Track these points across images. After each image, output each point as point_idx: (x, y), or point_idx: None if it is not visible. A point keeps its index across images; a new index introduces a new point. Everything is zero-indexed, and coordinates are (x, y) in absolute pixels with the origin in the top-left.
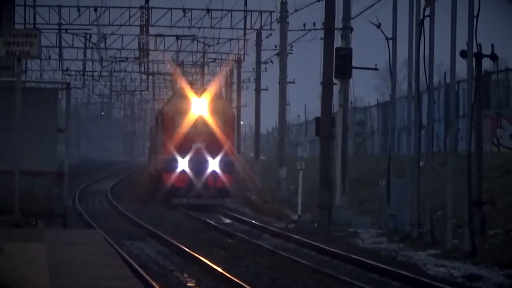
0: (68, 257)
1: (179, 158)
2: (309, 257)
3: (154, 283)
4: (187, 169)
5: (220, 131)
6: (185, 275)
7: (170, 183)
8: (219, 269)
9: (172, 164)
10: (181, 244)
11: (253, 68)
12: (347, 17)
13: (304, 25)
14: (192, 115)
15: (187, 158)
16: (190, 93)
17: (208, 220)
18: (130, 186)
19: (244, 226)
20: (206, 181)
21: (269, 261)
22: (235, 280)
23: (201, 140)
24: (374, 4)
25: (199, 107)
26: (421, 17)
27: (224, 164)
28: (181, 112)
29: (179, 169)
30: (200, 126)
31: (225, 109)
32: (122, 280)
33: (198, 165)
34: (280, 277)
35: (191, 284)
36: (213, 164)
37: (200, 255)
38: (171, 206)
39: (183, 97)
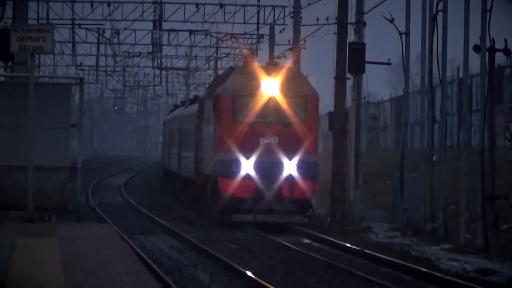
0: (81, 251)
1: (241, 159)
2: (322, 252)
3: (166, 278)
4: (253, 174)
5: (300, 120)
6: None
7: (229, 193)
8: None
9: (231, 166)
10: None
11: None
12: (360, 11)
13: (318, 19)
14: (260, 98)
15: (253, 158)
16: (256, 68)
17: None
18: (146, 182)
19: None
20: (280, 190)
21: (282, 256)
22: None
23: (272, 134)
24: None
25: (270, 87)
26: (434, 11)
27: (305, 167)
28: (245, 94)
29: (242, 174)
30: (271, 113)
31: (306, 90)
32: (135, 274)
33: (269, 168)
34: (293, 272)
35: None
36: (290, 167)
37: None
38: (230, 225)
39: (246, 73)
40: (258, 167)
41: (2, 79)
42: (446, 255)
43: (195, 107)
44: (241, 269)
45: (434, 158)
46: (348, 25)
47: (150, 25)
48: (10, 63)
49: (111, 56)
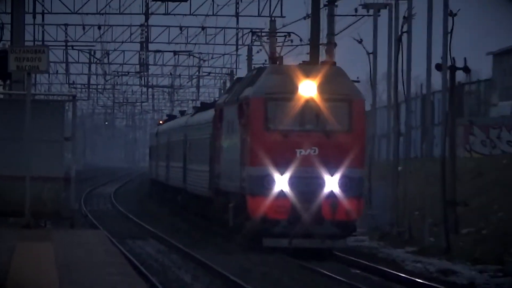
0: (75, 255)
1: (275, 174)
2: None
3: (152, 279)
4: (288, 191)
5: (343, 128)
6: None
7: (260, 214)
8: None
9: (263, 183)
10: None
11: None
12: (331, 33)
13: (292, 41)
14: (297, 102)
15: (289, 173)
16: (292, 67)
17: None
18: (134, 191)
19: None
20: (320, 210)
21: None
22: None
23: (311, 144)
24: (356, 21)
25: (309, 88)
26: (399, 33)
27: (350, 183)
28: (279, 98)
29: (275, 192)
30: (310, 120)
31: (350, 91)
32: (124, 276)
33: (307, 184)
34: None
35: None
36: (331, 183)
37: None
38: (261, 250)
39: (280, 73)
40: (294, 183)
41: (1, 96)
42: (410, 257)
43: (205, 115)
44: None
45: (399, 168)
46: (320, 46)
47: (137, 47)
48: (8, 82)
49: (102, 75)
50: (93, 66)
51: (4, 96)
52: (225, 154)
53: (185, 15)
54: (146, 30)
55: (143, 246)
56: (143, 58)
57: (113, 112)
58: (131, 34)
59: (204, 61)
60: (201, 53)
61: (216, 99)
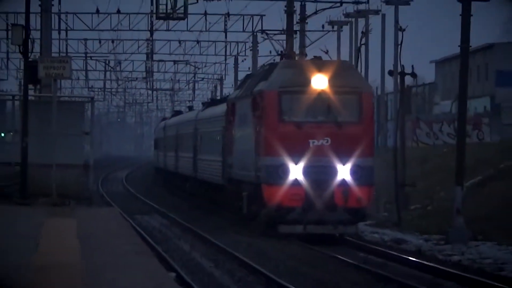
0: (93, 228)
1: (289, 163)
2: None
3: (157, 247)
4: (302, 180)
5: (354, 119)
6: None
7: (275, 202)
8: None
9: (278, 172)
10: None
11: (232, 85)
12: (302, 46)
13: (270, 52)
14: (310, 94)
15: (302, 162)
16: (304, 62)
17: None
18: (142, 176)
19: None
20: (332, 198)
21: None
22: None
23: (324, 135)
24: (323, 36)
25: (321, 81)
26: (359, 45)
27: (361, 172)
28: (293, 91)
29: (289, 180)
30: (322, 112)
31: (360, 84)
32: (134, 245)
33: (320, 173)
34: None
35: None
36: (343, 172)
37: None
38: (276, 236)
39: (293, 67)
40: (307, 172)
41: (32, 98)
42: (369, 229)
43: (216, 110)
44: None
45: None
46: (297, 56)
47: (144, 57)
48: (38, 86)
49: (115, 80)
50: (108, 73)
51: (35, 98)
52: (238, 145)
53: (183, 31)
54: (151, 43)
55: (149, 220)
56: (149, 66)
57: (124, 111)
58: (138, 46)
59: (199, 68)
60: (196, 62)
61: (227, 95)
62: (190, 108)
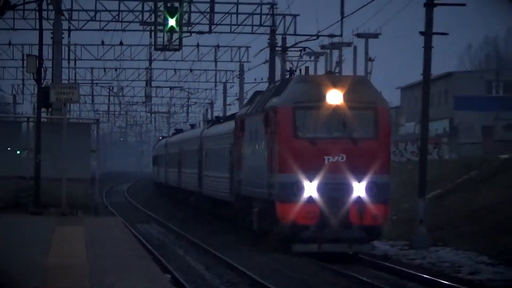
0: (98, 235)
1: (304, 180)
2: None
3: (154, 251)
4: (317, 197)
5: (370, 135)
6: None
7: (290, 220)
8: None
9: (292, 189)
10: None
11: (221, 109)
12: (283, 73)
13: (255, 79)
14: (325, 110)
15: (317, 179)
16: (319, 77)
17: None
18: (143, 186)
19: None
20: (347, 215)
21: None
22: None
23: (339, 151)
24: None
25: (336, 97)
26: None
27: (377, 189)
28: (308, 106)
29: (304, 197)
30: (337, 128)
31: (376, 100)
32: (134, 250)
33: (335, 190)
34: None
35: None
36: (359, 189)
37: None
38: (290, 255)
39: (307, 82)
40: (322, 189)
41: (45, 120)
42: None
43: (223, 127)
44: None
45: None
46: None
47: (143, 84)
48: (50, 109)
49: (118, 104)
50: (111, 98)
51: (47, 120)
52: (248, 161)
53: (178, 60)
54: (149, 71)
55: (148, 228)
56: (148, 92)
57: (126, 131)
58: (139, 74)
59: (192, 94)
60: (189, 88)
61: (234, 112)
62: (192, 126)
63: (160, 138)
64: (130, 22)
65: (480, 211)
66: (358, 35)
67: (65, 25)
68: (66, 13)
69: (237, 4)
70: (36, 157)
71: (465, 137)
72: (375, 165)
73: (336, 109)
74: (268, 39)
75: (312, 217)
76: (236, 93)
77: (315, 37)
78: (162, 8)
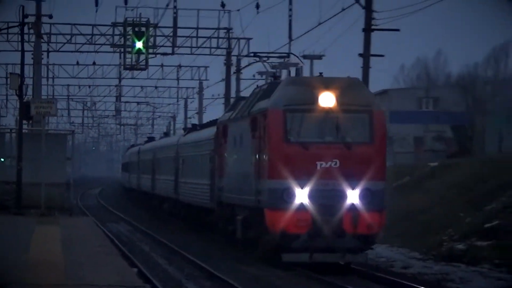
0: (72, 233)
1: (295, 186)
2: None
3: (122, 248)
4: (309, 205)
5: (365, 140)
6: None
7: (280, 228)
8: None
9: (283, 196)
10: None
11: (183, 121)
12: (238, 90)
13: (213, 95)
14: (317, 113)
15: (309, 186)
16: (311, 79)
17: None
18: (113, 190)
19: None
20: (341, 224)
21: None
22: None
23: (332, 156)
24: (254, 83)
25: (329, 99)
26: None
27: (371, 196)
28: (299, 109)
29: (295, 205)
30: (330, 132)
31: (370, 102)
32: (105, 247)
33: (327, 197)
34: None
35: None
36: (353, 196)
37: None
38: (280, 265)
39: (299, 84)
40: (314, 196)
41: (26, 131)
42: None
43: (203, 134)
44: None
45: None
46: (231, 99)
47: (114, 99)
48: (30, 122)
49: (91, 117)
50: (85, 112)
51: (28, 131)
52: (231, 168)
53: (144, 78)
54: (119, 88)
55: (117, 227)
56: (118, 106)
57: (98, 141)
58: (109, 91)
59: (157, 108)
60: (154, 103)
61: (210, 121)
62: (166, 134)
63: (131, 146)
64: (102, 44)
65: (413, 213)
66: (304, 56)
67: (44, 47)
68: (45, 37)
69: (197, 29)
70: (18, 164)
71: (399, 147)
72: (370, 171)
73: (329, 112)
74: (225, 60)
75: (304, 225)
76: (196, 108)
77: (266, 58)
78: (130, 32)
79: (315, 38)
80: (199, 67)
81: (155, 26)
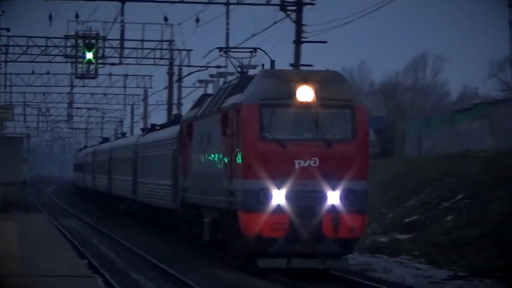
0: (28, 228)
1: (271, 187)
2: None
3: (74, 241)
4: (286, 206)
5: (346, 137)
6: None
7: (255, 232)
8: None
9: (258, 197)
10: None
11: (129, 126)
12: (179, 97)
13: (157, 101)
14: (294, 108)
15: (286, 186)
16: (288, 72)
17: None
18: (66, 189)
19: None
20: (320, 227)
21: None
22: None
23: (311, 154)
24: (194, 90)
25: (308, 93)
26: None
27: (353, 197)
28: (276, 104)
29: (271, 207)
30: (309, 128)
31: (352, 97)
32: (58, 240)
33: (306, 198)
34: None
35: None
36: (333, 197)
37: None
38: (255, 272)
39: (275, 77)
40: (292, 197)
41: None
42: None
43: (164, 133)
44: None
45: None
46: (174, 105)
47: (66, 105)
48: None
49: (45, 122)
50: (40, 117)
51: None
52: (198, 167)
53: (94, 86)
54: (71, 95)
55: (69, 222)
56: (69, 112)
57: (52, 143)
58: (62, 98)
59: (105, 114)
60: (103, 109)
61: (171, 120)
62: (123, 135)
63: (83, 147)
64: (55, 55)
65: None
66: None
67: (2, 57)
68: (3, 48)
69: (142, 41)
70: None
71: None
72: (352, 170)
73: (307, 107)
74: (167, 69)
75: (281, 228)
76: (141, 113)
77: (205, 68)
78: (81, 44)
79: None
80: (144, 76)
81: (104, 39)
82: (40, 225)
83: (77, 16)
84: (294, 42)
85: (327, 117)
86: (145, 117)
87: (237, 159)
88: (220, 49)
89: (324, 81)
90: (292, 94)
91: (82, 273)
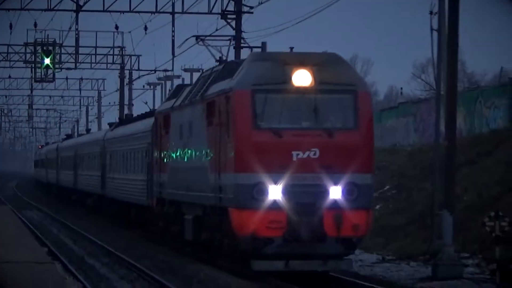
0: None
1: (267, 181)
2: None
3: (36, 231)
4: (283, 203)
5: (349, 125)
6: None
7: (249, 231)
8: None
9: (251, 192)
10: None
11: (85, 125)
12: (130, 98)
13: (109, 103)
14: (291, 94)
15: (284, 180)
16: (283, 54)
17: None
18: (27, 183)
19: None
20: (321, 225)
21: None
22: None
23: (310, 145)
24: (145, 92)
25: (306, 78)
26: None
27: (357, 191)
28: (270, 89)
29: (267, 203)
30: (307, 116)
31: (355, 81)
32: (20, 230)
33: (306, 194)
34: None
35: None
36: (335, 192)
37: None
38: (249, 275)
39: (269, 60)
40: (290, 193)
41: None
42: None
43: (137, 126)
44: None
45: None
46: (125, 105)
47: (27, 107)
48: None
49: (8, 122)
50: (3, 117)
51: None
52: (176, 161)
53: (52, 89)
54: (31, 98)
55: (31, 214)
56: (30, 113)
57: (14, 142)
58: (23, 100)
59: (63, 114)
60: (61, 110)
61: (142, 114)
62: (88, 131)
63: (45, 143)
64: (16, 61)
65: None
66: (185, 70)
67: None
68: None
69: (95, 47)
70: None
71: None
72: (355, 162)
73: (305, 92)
74: (119, 73)
75: (278, 227)
76: (96, 113)
77: (153, 72)
78: (40, 51)
79: (194, 54)
80: (97, 79)
81: (61, 45)
82: (3, 216)
83: (35, 25)
84: (234, 48)
85: (327, 103)
86: (99, 116)
87: (227, 151)
88: (197, 37)
89: (322, 63)
90: (288, 78)
91: (42, 259)
